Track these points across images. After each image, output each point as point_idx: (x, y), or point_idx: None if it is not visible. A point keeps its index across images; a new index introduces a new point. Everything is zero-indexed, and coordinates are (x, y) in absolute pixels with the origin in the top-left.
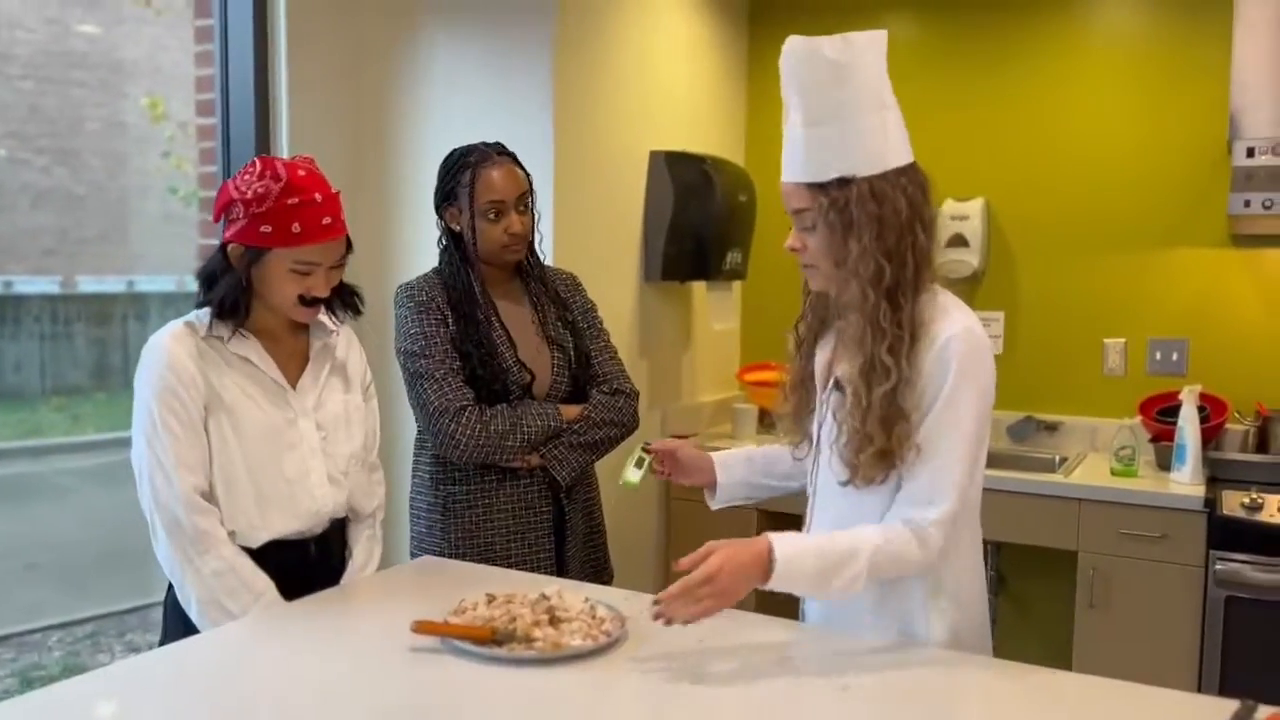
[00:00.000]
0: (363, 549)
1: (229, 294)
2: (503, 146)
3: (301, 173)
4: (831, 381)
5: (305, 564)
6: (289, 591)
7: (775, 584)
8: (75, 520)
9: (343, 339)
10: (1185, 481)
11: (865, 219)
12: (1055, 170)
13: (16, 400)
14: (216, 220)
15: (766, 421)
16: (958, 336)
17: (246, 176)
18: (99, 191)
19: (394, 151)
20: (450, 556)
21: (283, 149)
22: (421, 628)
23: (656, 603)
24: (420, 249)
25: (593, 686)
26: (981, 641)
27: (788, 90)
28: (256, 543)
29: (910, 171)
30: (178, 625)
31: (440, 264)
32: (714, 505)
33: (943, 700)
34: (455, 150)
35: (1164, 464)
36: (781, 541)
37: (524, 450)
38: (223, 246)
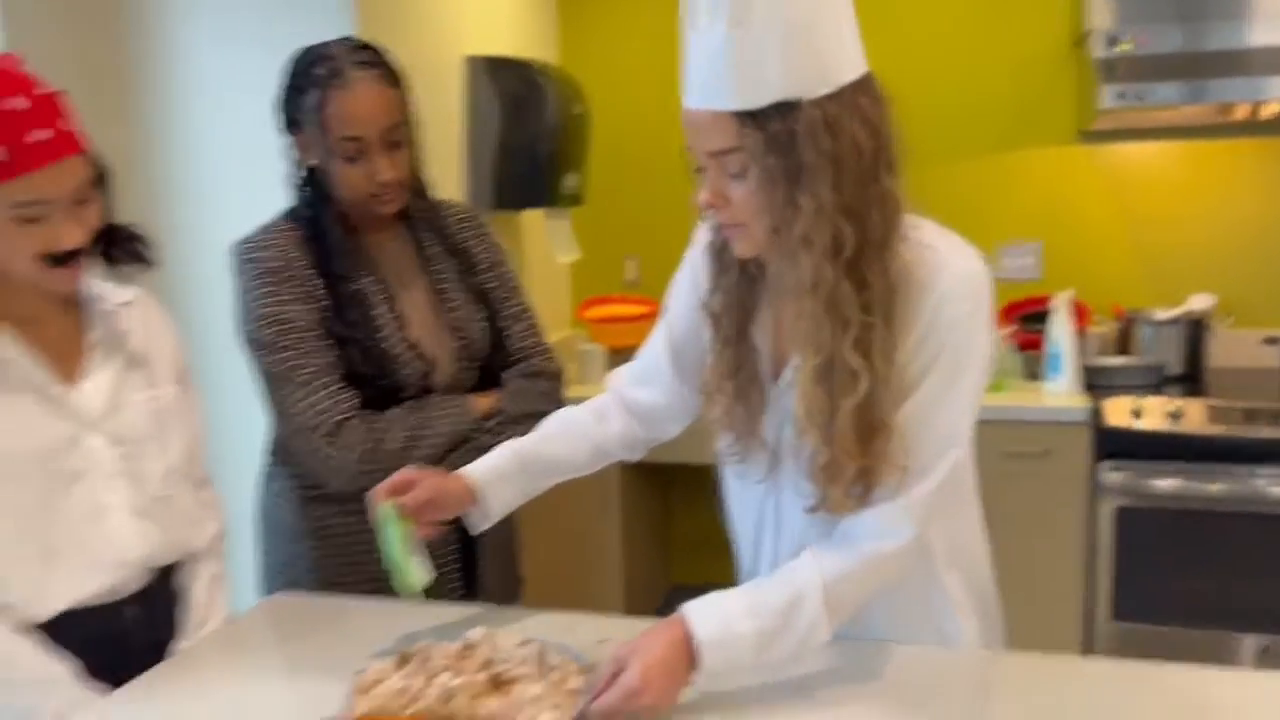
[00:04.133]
0: (202, 595)
1: None
2: (366, 50)
3: None
4: (790, 369)
5: (122, 634)
6: (104, 674)
7: (709, 670)
8: None
9: (136, 311)
10: (1062, 392)
11: (818, 161)
12: (892, 78)
13: None
14: None
15: (615, 362)
16: (953, 293)
17: None
18: None
19: (150, 55)
20: (327, 592)
21: None
22: None
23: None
24: (231, 188)
25: None
26: (997, 626)
27: None
28: (44, 614)
29: (866, 86)
30: None
31: (295, 209)
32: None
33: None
34: (301, 53)
35: (1032, 374)
36: (700, 618)
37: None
38: None
